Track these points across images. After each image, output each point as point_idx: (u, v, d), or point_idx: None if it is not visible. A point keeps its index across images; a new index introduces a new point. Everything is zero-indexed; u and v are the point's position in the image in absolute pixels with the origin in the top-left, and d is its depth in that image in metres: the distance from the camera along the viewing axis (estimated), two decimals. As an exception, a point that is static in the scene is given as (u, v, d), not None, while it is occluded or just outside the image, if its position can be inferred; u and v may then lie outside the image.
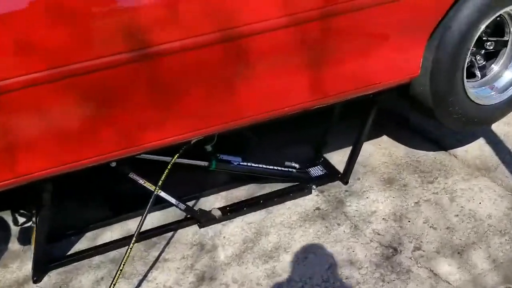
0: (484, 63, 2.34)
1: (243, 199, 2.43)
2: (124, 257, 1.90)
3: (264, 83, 1.84)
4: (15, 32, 1.41)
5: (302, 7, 1.72)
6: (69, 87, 1.53)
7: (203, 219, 2.25)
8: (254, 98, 1.85)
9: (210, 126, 1.86)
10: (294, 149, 2.72)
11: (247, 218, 2.31)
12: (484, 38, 2.25)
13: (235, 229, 2.25)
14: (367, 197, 2.37)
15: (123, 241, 2.16)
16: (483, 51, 2.30)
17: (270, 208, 2.35)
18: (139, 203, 2.12)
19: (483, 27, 2.06)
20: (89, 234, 2.29)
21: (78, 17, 1.45)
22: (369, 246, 2.08)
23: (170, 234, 2.24)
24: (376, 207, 2.30)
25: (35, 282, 2.02)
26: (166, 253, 2.14)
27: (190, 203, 2.39)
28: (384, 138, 2.82)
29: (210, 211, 2.27)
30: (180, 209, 2.18)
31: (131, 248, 1.92)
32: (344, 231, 2.18)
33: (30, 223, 2.19)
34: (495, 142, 2.68)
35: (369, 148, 2.69)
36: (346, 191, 2.43)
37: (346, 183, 2.47)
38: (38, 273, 2.03)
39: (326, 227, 2.21)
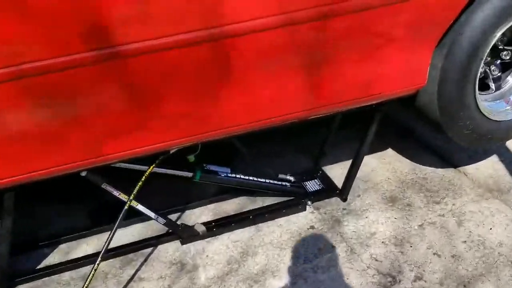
0: (499, 74, 2.14)
1: (232, 213, 2.26)
2: (88, 277, 1.73)
3: (253, 89, 1.65)
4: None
5: (297, 5, 1.53)
6: (26, 88, 1.36)
7: (185, 234, 2.07)
8: (241, 105, 1.67)
9: (190, 136, 1.68)
10: (290, 160, 2.56)
11: (234, 235, 2.12)
12: (500, 47, 2.05)
13: (220, 247, 2.06)
14: (366, 217, 2.17)
15: (96, 257, 1.98)
16: (498, 61, 2.11)
17: (260, 224, 2.17)
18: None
19: (499, 34, 1.87)
20: (63, 246, 2.13)
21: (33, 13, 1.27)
22: (366, 273, 1.88)
23: (149, 250, 2.06)
24: (375, 229, 2.10)
25: (-3, 298, 1.86)
26: (142, 271, 1.96)
27: (174, 216, 2.23)
28: (388, 151, 2.63)
29: (193, 226, 2.09)
30: (160, 223, 2.00)
31: (95, 269, 1.74)
32: (339, 255, 1.98)
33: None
34: (510, 161, 2.47)
35: (371, 162, 2.50)
36: (344, 209, 2.24)
37: (344, 200, 2.28)
38: (2, 288, 1.88)
39: (320, 249, 2.02)
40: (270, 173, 2.29)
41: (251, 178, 2.20)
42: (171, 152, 1.79)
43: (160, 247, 2.07)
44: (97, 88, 1.43)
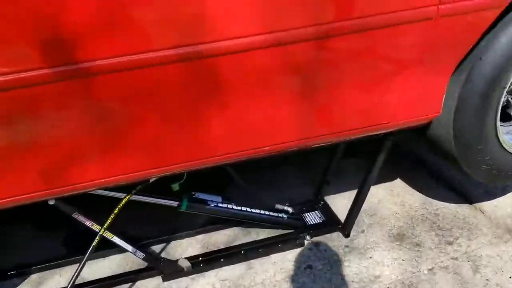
0: (524, 104, 1.92)
1: (222, 246, 2.05)
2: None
3: (242, 114, 1.46)
4: None
5: (297, 23, 1.35)
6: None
7: (168, 270, 1.87)
8: (228, 132, 1.47)
9: (171, 164, 1.49)
10: (289, 189, 2.35)
11: (223, 272, 1.92)
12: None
13: (205, 286, 1.86)
14: (370, 257, 1.96)
15: (68, 292, 1.79)
16: (523, 90, 1.89)
17: (253, 261, 1.97)
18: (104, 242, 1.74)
19: (525, 60, 1.65)
20: (34, 277, 1.95)
21: None
22: (366, 325, 1.66)
23: (126, 286, 1.86)
24: (380, 271, 1.88)
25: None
26: (117, 311, 1.77)
27: (159, 247, 2.04)
28: (397, 181, 2.41)
29: (177, 261, 1.88)
30: (139, 257, 1.80)
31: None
32: (337, 301, 1.77)
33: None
34: (532, 198, 2.24)
35: (378, 193, 2.30)
36: (346, 246, 2.02)
37: (347, 235, 2.07)
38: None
39: (317, 292, 1.81)
40: (266, 202, 2.09)
41: (244, 208, 2.00)
42: (150, 181, 1.60)
43: (138, 283, 1.87)
44: (64, 109, 1.25)
